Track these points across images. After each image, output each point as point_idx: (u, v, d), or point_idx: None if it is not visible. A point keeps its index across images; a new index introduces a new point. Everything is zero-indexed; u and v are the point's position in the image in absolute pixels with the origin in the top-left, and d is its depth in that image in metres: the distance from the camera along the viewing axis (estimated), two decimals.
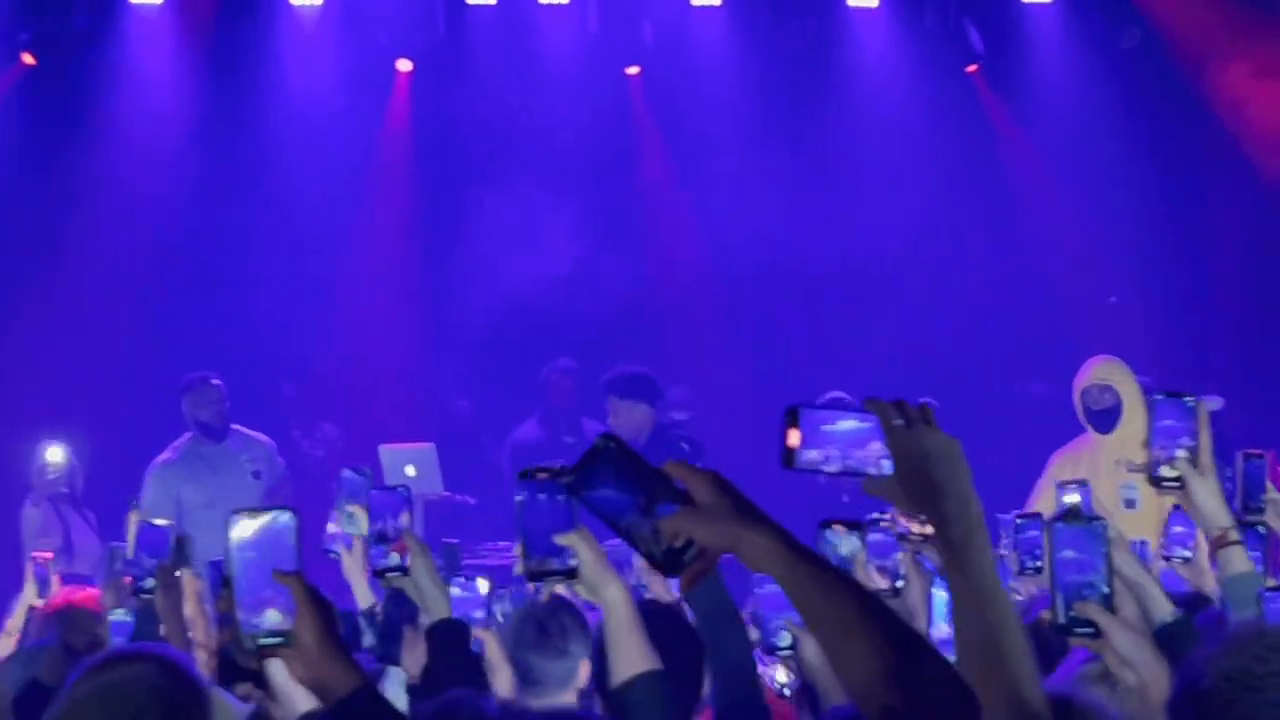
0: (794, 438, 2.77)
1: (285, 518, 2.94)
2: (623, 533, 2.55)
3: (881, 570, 4.87)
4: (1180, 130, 14.07)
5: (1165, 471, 4.56)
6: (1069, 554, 3.78)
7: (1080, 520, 3.89)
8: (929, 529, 4.74)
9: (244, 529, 2.91)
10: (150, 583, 5.87)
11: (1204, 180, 14.22)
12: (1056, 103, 14.34)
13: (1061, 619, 3.74)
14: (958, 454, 2.84)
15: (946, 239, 14.29)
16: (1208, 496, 4.58)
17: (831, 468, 2.77)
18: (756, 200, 13.78)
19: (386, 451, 11.09)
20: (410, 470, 10.92)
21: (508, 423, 12.16)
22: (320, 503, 11.95)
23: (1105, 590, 3.79)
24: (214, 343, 12.85)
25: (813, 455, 2.75)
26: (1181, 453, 4.53)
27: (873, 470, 2.80)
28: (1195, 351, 13.61)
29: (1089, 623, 3.72)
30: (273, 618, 2.86)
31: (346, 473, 5.97)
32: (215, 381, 11.02)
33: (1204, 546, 5.26)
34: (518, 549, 4.16)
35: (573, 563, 4.06)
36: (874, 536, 4.90)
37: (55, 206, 13.40)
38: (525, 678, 5.14)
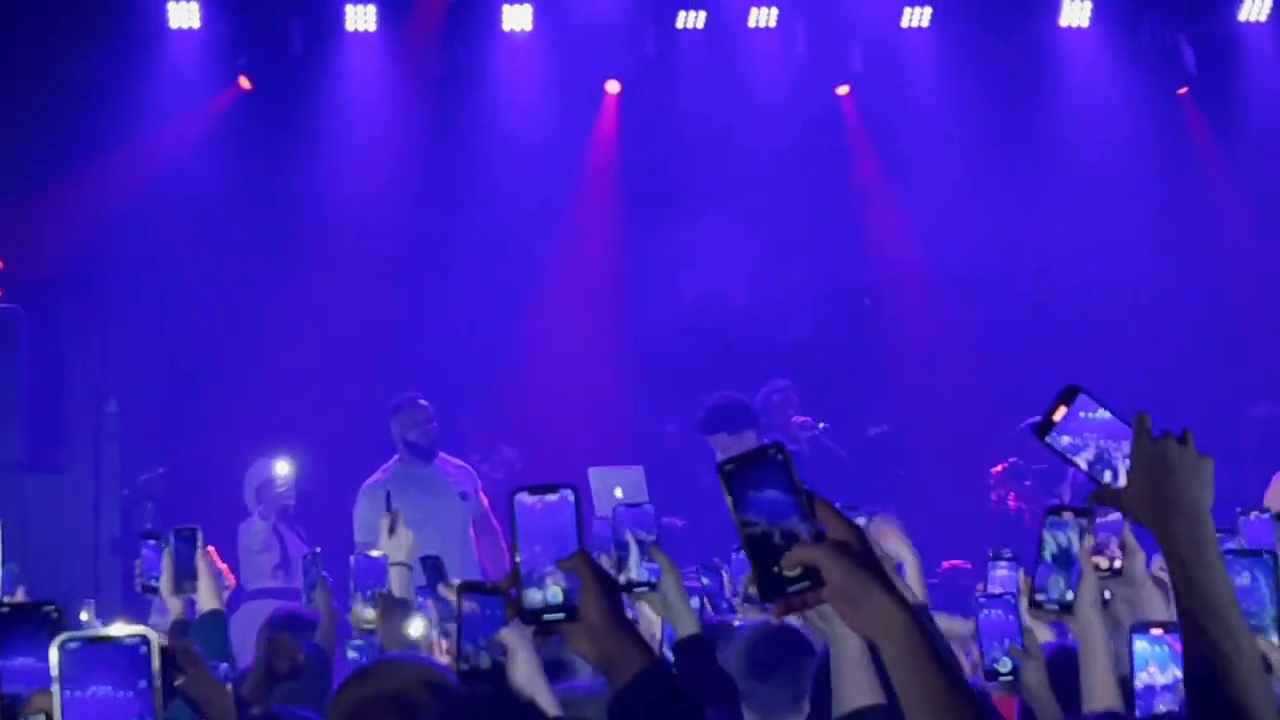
0: (1060, 413, 2.79)
1: (568, 495, 2.96)
2: (756, 537, 2.49)
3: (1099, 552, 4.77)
4: None
5: None
6: (1244, 581, 3.71)
7: (1251, 551, 3.83)
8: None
9: (527, 507, 2.93)
10: (369, 612, 5.94)
11: None
12: (1269, 125, 14.09)
13: None
14: (1204, 473, 2.82)
15: (1157, 259, 14.11)
16: None
17: (1074, 453, 2.78)
18: (967, 217, 13.74)
19: (596, 474, 11.10)
20: (619, 492, 10.92)
21: None
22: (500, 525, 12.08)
23: (1273, 624, 3.72)
24: (417, 361, 13.05)
25: (1068, 440, 2.76)
26: None
27: (1108, 475, 2.79)
28: None
29: None
30: (556, 593, 2.88)
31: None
32: (423, 402, 11.12)
33: None
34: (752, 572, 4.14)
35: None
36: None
37: (269, 228, 13.67)
38: (757, 702, 5.12)
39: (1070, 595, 4.26)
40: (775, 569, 2.48)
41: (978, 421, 13.31)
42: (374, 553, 6.25)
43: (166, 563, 6.22)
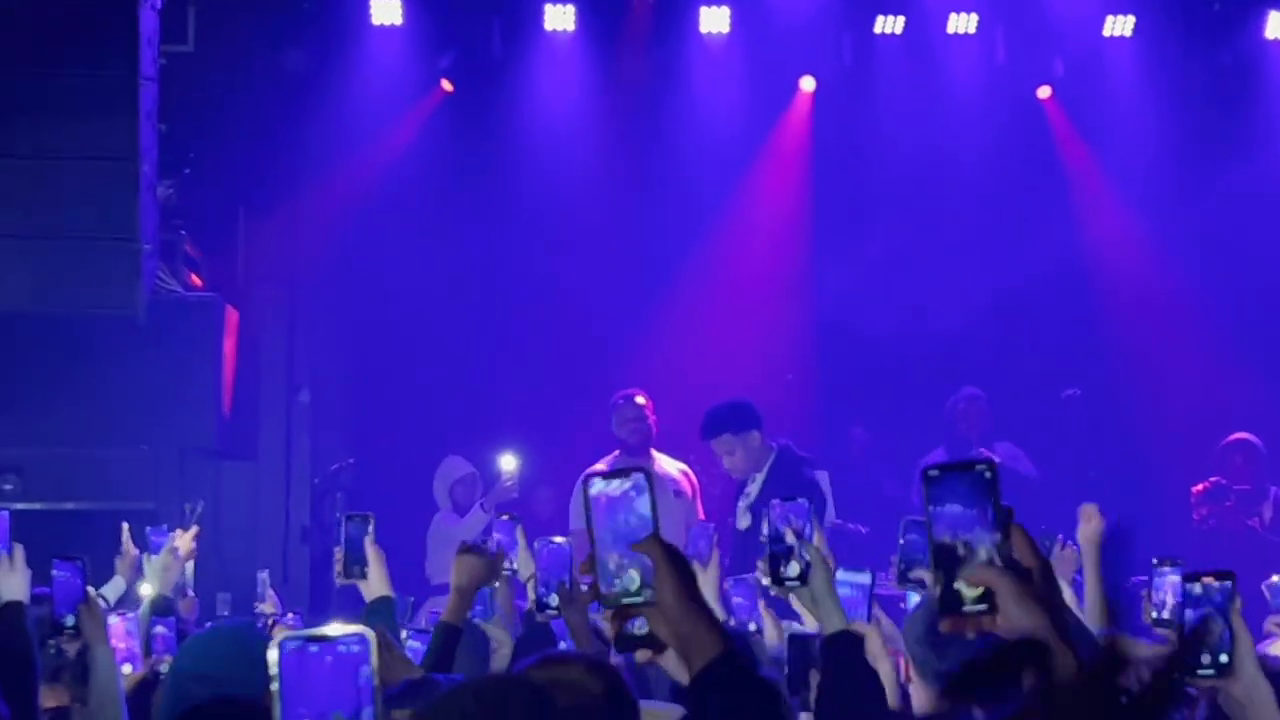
0: None
1: (641, 479, 2.98)
2: (944, 548, 2.46)
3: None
4: None
5: None
6: None
7: None
8: None
9: (602, 491, 2.95)
10: (554, 599, 5.95)
11: None
12: None
13: None
14: None
15: None
16: None
17: None
18: (1168, 224, 13.72)
19: None
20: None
21: (904, 453, 12.08)
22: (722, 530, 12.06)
23: None
24: (627, 359, 13.11)
25: None
26: None
27: None
28: None
29: None
30: (632, 577, 2.89)
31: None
32: (639, 400, 11.22)
33: None
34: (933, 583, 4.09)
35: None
36: None
37: (464, 223, 13.79)
38: (931, 671, 5.11)
39: (1224, 658, 4.03)
40: (955, 585, 2.44)
41: (1180, 436, 13.10)
42: (558, 539, 6.25)
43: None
